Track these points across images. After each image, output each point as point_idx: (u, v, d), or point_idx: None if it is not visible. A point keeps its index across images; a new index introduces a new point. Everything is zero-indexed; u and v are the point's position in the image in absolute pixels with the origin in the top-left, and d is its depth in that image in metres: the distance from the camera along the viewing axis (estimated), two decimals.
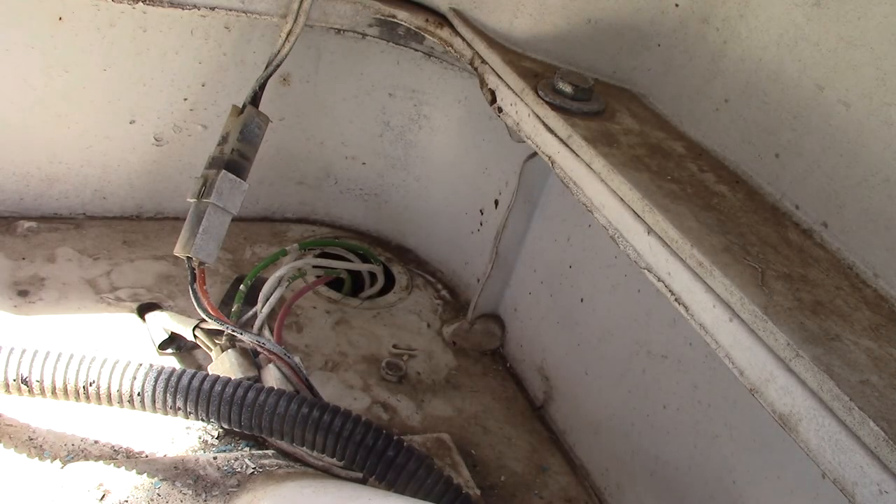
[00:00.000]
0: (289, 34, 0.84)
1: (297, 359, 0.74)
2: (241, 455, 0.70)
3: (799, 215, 0.64)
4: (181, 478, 0.66)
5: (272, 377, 0.74)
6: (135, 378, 0.65)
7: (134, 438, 0.71)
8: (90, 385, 0.65)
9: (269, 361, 0.74)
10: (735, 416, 0.67)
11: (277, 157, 1.04)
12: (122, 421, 0.72)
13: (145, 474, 0.65)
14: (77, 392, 0.66)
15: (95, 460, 0.67)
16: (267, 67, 0.85)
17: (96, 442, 0.70)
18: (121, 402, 0.66)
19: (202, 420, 0.66)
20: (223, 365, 0.76)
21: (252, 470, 0.69)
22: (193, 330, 0.79)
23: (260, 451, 0.72)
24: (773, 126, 0.66)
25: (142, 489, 0.64)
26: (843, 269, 0.59)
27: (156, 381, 0.65)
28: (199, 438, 0.73)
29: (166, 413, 0.66)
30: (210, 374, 0.67)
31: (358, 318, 0.96)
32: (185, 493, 0.65)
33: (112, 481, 0.64)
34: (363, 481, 0.69)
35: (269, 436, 0.67)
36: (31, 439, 0.68)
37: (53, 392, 0.66)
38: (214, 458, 0.69)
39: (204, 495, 0.65)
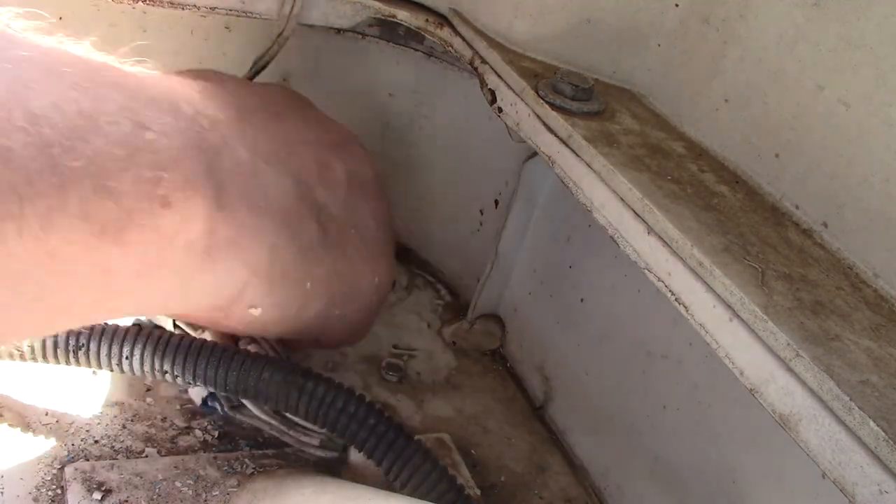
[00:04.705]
0: (278, 36, 0.84)
1: None
2: (241, 455, 0.70)
3: (799, 215, 0.64)
4: (181, 478, 0.66)
5: None
6: (124, 341, 0.68)
7: (134, 438, 0.71)
8: (80, 348, 0.67)
9: (249, 343, 0.75)
10: (735, 416, 0.67)
11: None
12: (122, 421, 0.72)
13: (145, 474, 0.66)
14: (67, 356, 0.67)
15: (95, 460, 0.67)
16: (252, 66, 0.85)
17: (96, 442, 0.70)
18: (110, 365, 0.68)
19: (189, 383, 0.69)
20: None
21: (252, 470, 0.69)
22: (174, 320, 0.80)
23: (260, 451, 0.72)
24: (773, 126, 0.66)
25: (142, 489, 0.64)
26: (843, 269, 0.59)
27: (144, 344, 0.67)
28: (199, 438, 0.73)
29: (154, 377, 0.68)
30: (198, 338, 0.69)
31: None
32: (185, 493, 0.65)
33: (112, 481, 0.64)
34: (345, 450, 0.71)
35: (253, 399, 0.69)
36: (32, 440, 0.68)
37: (44, 355, 0.67)
38: (214, 457, 0.69)
39: (204, 495, 0.65)
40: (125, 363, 0.68)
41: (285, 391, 0.67)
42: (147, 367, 0.68)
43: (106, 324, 0.69)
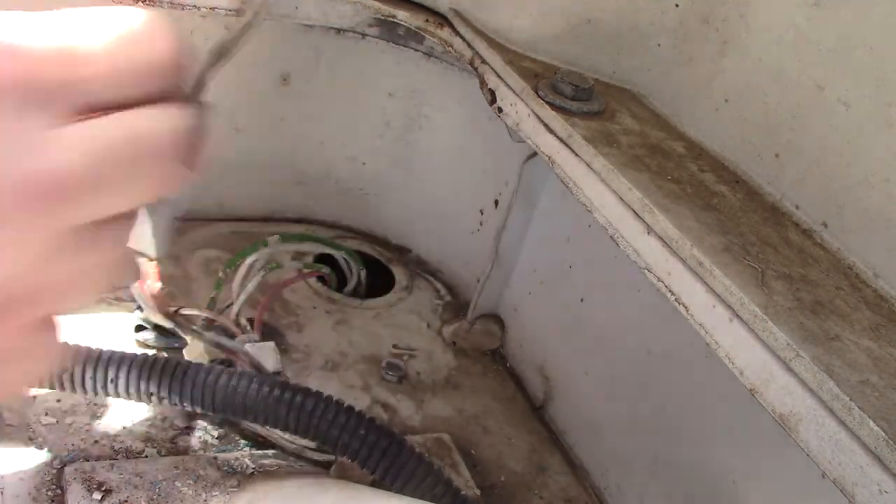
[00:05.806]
0: (245, 25, 0.82)
1: (272, 344, 0.77)
2: (241, 455, 0.70)
3: (799, 215, 0.64)
4: (181, 478, 0.66)
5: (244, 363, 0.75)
6: (108, 366, 0.66)
7: (134, 438, 0.71)
8: (64, 374, 0.66)
9: (244, 344, 0.76)
10: (735, 416, 0.67)
11: (277, 157, 1.04)
12: (122, 421, 0.72)
13: (145, 474, 0.66)
14: (52, 381, 0.66)
15: (95, 460, 0.67)
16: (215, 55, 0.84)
17: (96, 442, 0.70)
18: (95, 390, 0.67)
19: (174, 405, 0.67)
20: (195, 350, 0.78)
21: (252, 470, 0.69)
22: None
23: (260, 451, 0.72)
24: (773, 126, 0.66)
25: (142, 489, 0.64)
26: (843, 269, 0.59)
27: (129, 368, 0.66)
28: (199, 438, 0.73)
29: (140, 399, 0.67)
30: (182, 360, 0.70)
31: (358, 318, 0.96)
32: (184, 493, 0.65)
33: (112, 481, 0.64)
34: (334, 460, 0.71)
35: (241, 418, 0.68)
36: (31, 439, 0.68)
37: None
38: (214, 457, 0.69)
39: (204, 495, 0.65)
40: (110, 387, 0.67)
41: (273, 408, 0.65)
42: (132, 390, 0.67)
43: (90, 348, 0.67)
